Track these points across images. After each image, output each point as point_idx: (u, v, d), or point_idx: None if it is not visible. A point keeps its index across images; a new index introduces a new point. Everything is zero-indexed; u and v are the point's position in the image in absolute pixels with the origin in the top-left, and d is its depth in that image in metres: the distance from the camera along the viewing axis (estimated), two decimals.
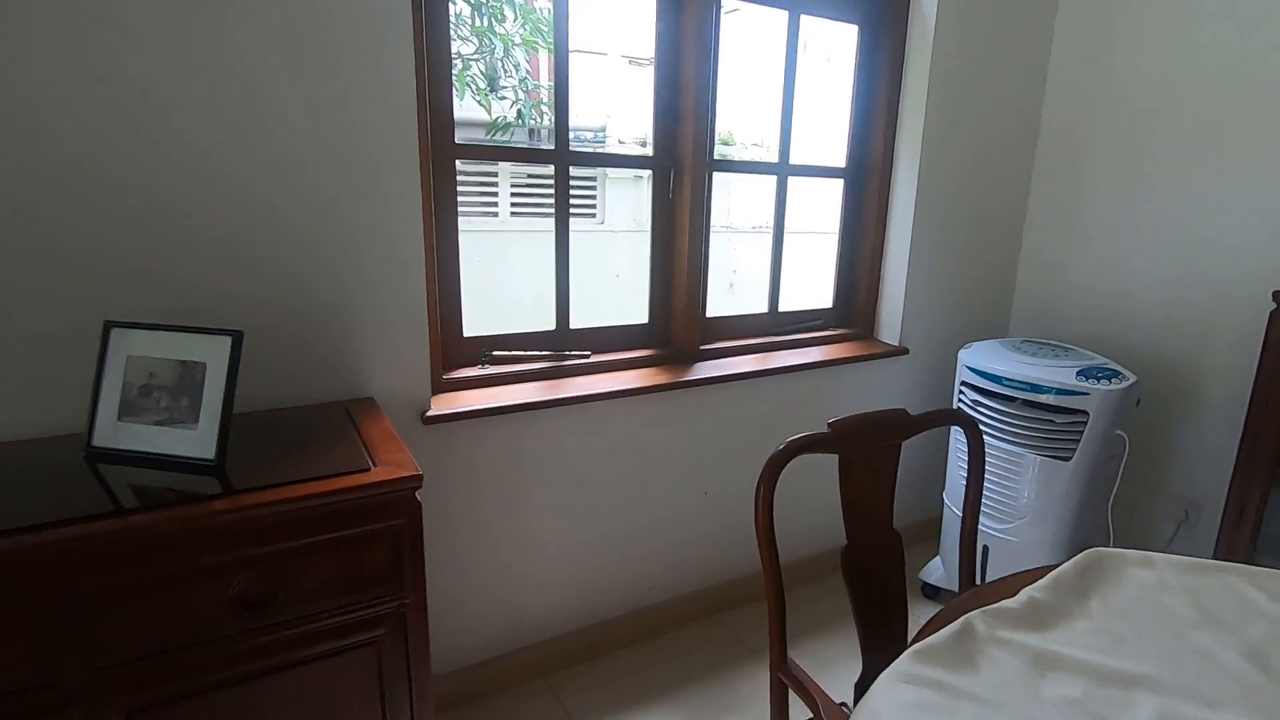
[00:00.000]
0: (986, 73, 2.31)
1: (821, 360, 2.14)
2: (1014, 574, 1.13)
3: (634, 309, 2.03)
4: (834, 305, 2.43)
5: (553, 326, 1.87)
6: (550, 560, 1.83)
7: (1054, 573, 1.08)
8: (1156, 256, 2.22)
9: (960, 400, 2.15)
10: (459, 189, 1.66)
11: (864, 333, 2.42)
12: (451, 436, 1.61)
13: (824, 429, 1.16)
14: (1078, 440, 1.90)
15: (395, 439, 1.23)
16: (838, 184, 2.34)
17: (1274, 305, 1.84)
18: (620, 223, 3.84)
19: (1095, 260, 2.38)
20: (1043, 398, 1.92)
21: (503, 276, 2.98)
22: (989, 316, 2.69)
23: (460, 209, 1.67)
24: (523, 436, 1.71)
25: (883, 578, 1.23)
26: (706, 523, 2.10)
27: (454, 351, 1.71)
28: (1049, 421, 1.92)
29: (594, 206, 3.49)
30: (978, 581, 2.13)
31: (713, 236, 2.03)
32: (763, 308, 2.26)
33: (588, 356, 1.87)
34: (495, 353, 1.75)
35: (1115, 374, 1.87)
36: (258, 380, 1.35)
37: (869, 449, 1.20)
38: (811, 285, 2.42)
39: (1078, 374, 1.90)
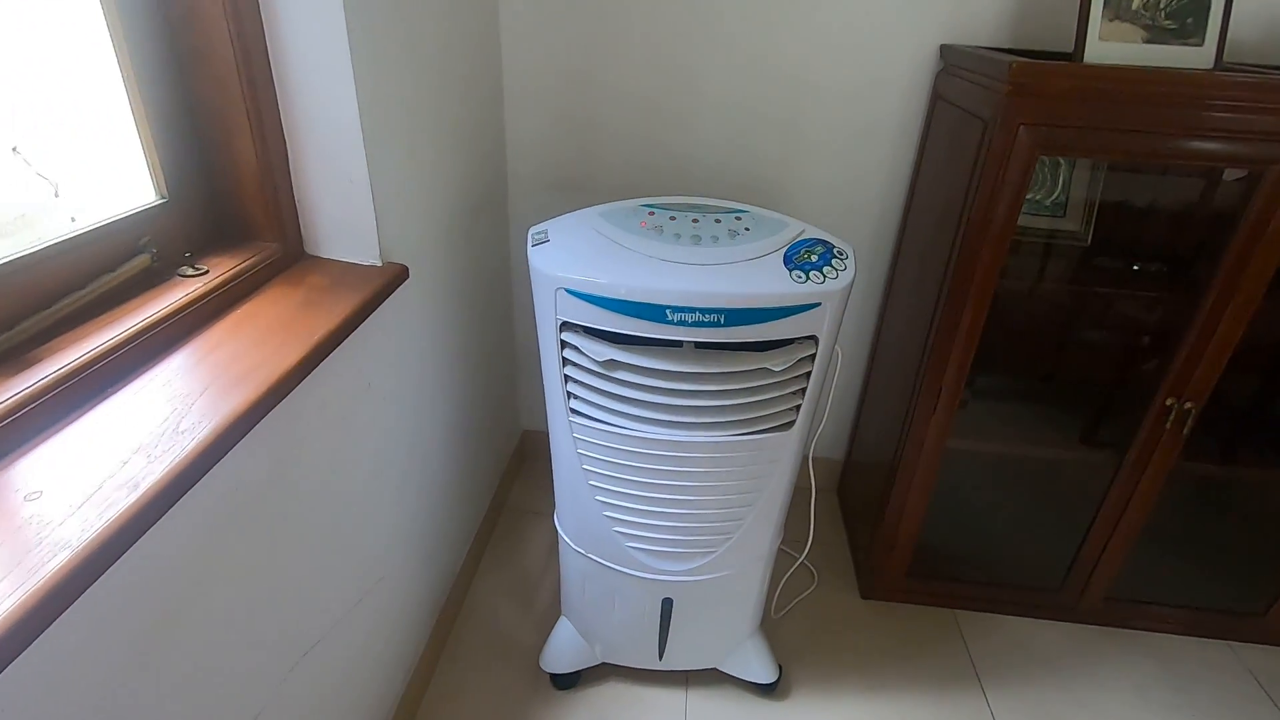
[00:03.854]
0: None
1: (239, 415, 0.64)
2: None
3: None
4: (171, 194, 0.83)
5: None
6: None
7: None
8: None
9: (569, 366, 0.99)
10: None
11: (291, 251, 0.93)
12: None
13: None
14: (803, 388, 1.01)
15: None
16: None
17: (941, 65, 1.21)
18: None
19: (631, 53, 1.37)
20: (750, 331, 0.92)
21: None
22: (539, 172, 1.49)
23: None
24: None
25: None
26: None
27: None
28: (762, 370, 0.97)
29: None
30: (660, 652, 1.21)
31: None
32: None
33: None
34: None
35: (829, 250, 0.99)
36: None
37: None
38: (66, 155, 0.73)
39: (789, 265, 0.95)
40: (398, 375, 1.08)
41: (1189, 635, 1.49)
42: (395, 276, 0.97)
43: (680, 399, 0.97)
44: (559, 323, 0.96)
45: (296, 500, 0.84)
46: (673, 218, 0.99)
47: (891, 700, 1.33)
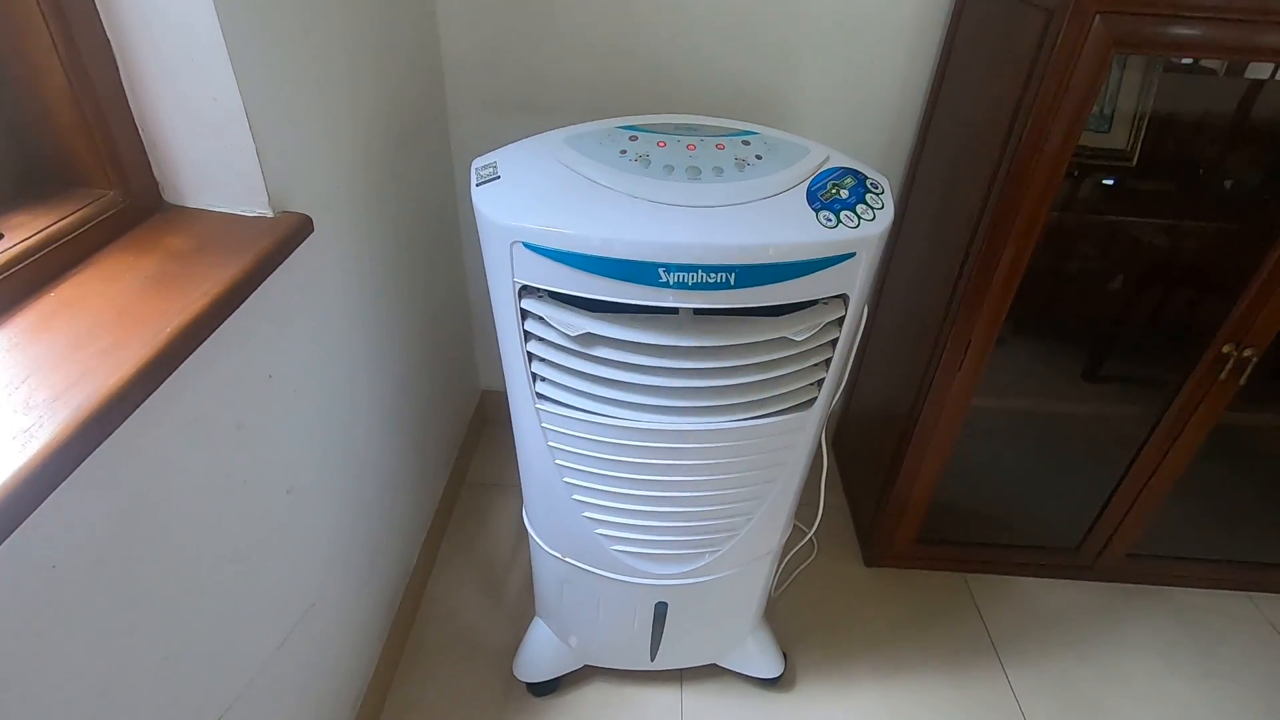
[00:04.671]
0: None
1: (37, 464, 0.41)
2: None
3: None
4: None
5: None
6: None
7: None
8: None
9: (533, 342, 0.77)
10: None
11: (140, 203, 0.67)
12: None
13: None
14: (828, 358, 0.81)
15: None
16: None
17: None
18: None
19: None
20: (767, 293, 0.71)
21: None
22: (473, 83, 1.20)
23: None
24: None
25: None
26: None
27: None
28: (781, 340, 0.76)
29: None
30: (652, 654, 1.06)
31: None
32: None
33: None
34: None
35: (861, 183, 0.77)
36: None
37: None
38: None
39: (815, 204, 0.73)
40: (310, 357, 0.85)
41: (1210, 589, 1.40)
42: (294, 230, 0.73)
43: (677, 379, 0.76)
44: (517, 287, 0.73)
45: (167, 550, 0.62)
46: (662, 143, 0.76)
47: (905, 682, 1.21)
